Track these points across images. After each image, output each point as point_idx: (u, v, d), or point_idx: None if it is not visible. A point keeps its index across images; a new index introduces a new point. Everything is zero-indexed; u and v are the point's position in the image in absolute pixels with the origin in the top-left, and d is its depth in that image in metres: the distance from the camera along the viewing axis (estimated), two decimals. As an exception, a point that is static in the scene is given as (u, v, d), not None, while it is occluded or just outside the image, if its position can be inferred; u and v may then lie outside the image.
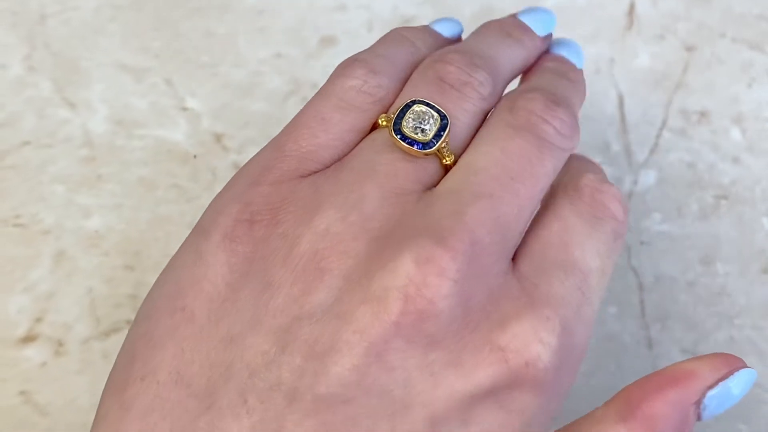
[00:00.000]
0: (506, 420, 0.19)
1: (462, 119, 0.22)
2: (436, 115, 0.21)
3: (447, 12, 0.33)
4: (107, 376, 0.20)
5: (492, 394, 0.18)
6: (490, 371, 0.18)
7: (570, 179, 0.22)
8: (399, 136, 0.21)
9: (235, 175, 0.21)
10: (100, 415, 0.19)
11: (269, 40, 0.33)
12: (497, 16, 0.26)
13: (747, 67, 0.32)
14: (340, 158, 0.21)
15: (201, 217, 0.21)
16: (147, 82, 0.32)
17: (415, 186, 0.20)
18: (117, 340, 0.28)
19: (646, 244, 0.30)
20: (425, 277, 0.18)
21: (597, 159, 0.31)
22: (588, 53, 0.32)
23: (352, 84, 0.22)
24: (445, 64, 0.22)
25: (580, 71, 0.25)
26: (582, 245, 0.21)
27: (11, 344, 0.28)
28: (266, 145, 0.22)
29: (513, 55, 0.24)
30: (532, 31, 0.25)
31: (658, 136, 0.31)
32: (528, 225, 0.21)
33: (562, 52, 0.25)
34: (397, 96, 0.22)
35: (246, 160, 0.22)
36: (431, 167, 0.21)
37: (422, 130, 0.21)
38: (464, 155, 0.21)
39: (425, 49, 0.24)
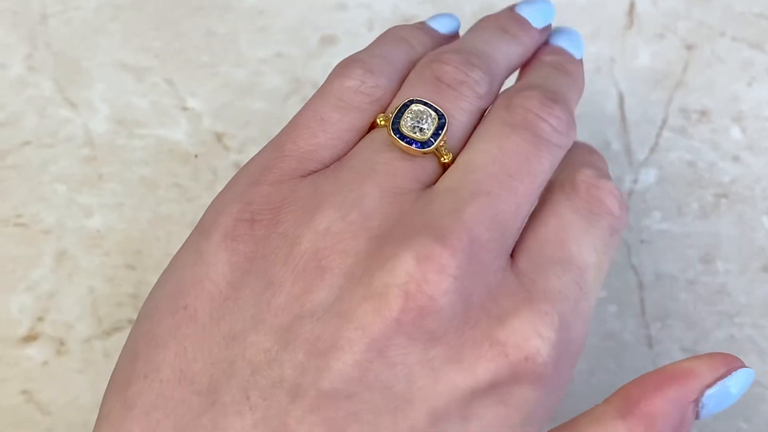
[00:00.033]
0: (506, 414, 0.19)
1: (459, 118, 0.22)
2: (433, 114, 0.21)
3: (447, 10, 0.33)
4: (109, 375, 0.20)
5: (492, 388, 0.18)
6: (490, 366, 0.18)
7: (567, 175, 0.22)
8: (397, 136, 0.21)
9: (235, 175, 0.22)
10: (103, 414, 0.19)
11: (270, 40, 0.33)
12: (497, 14, 0.26)
13: (747, 66, 0.32)
14: (339, 158, 0.21)
15: (202, 217, 0.21)
16: (148, 81, 0.32)
17: (414, 184, 0.20)
18: (118, 340, 0.28)
19: (647, 242, 0.30)
20: (425, 274, 0.18)
21: (597, 158, 0.31)
22: (588, 52, 0.32)
23: (350, 84, 0.22)
24: (441, 63, 0.22)
25: (579, 62, 0.25)
26: (578, 241, 0.21)
27: (13, 343, 0.28)
28: (266, 145, 0.22)
29: (509, 52, 0.24)
30: (529, 24, 0.25)
31: (658, 135, 0.31)
32: (525, 221, 0.21)
33: (561, 42, 0.25)
34: (394, 95, 0.22)
35: (247, 160, 0.22)
36: (429, 166, 0.21)
37: (420, 129, 0.21)
38: (462, 153, 0.21)
39: (422, 48, 0.24)
